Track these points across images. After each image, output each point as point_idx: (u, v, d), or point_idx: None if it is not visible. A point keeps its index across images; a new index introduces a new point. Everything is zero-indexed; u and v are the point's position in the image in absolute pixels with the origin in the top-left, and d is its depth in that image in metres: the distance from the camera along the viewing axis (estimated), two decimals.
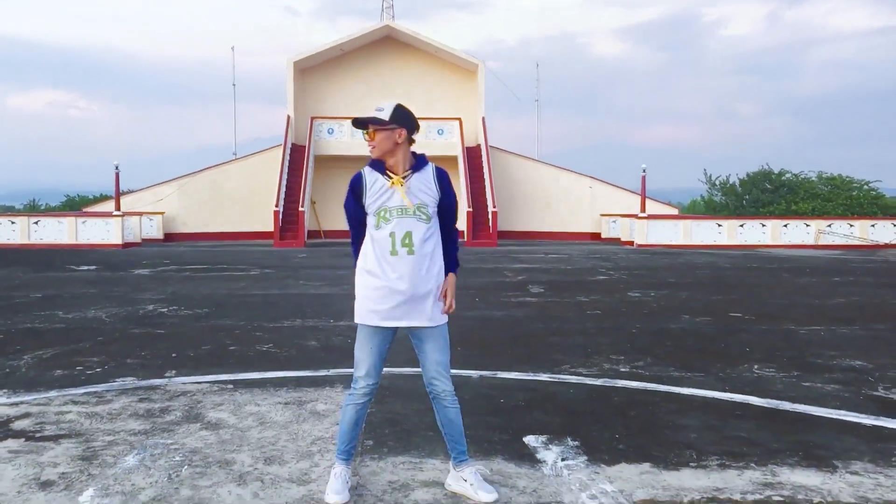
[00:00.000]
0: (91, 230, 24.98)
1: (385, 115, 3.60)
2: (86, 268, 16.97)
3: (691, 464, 4.23)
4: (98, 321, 9.21)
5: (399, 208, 3.64)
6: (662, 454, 4.38)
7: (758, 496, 3.77)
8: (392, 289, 3.64)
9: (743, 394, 5.79)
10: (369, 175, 3.68)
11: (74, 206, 44.65)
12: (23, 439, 4.61)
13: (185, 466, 4.14)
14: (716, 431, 4.83)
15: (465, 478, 3.77)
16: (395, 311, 3.67)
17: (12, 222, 25.12)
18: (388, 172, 3.66)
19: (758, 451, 4.45)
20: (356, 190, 3.69)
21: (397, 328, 3.74)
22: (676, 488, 3.87)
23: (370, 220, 3.69)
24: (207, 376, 6.30)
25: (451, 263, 3.83)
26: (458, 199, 3.91)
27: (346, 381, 6.09)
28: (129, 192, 31.43)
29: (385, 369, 6.54)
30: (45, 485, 3.88)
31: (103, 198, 32.15)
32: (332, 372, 6.45)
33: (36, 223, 25.13)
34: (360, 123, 3.67)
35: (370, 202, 3.66)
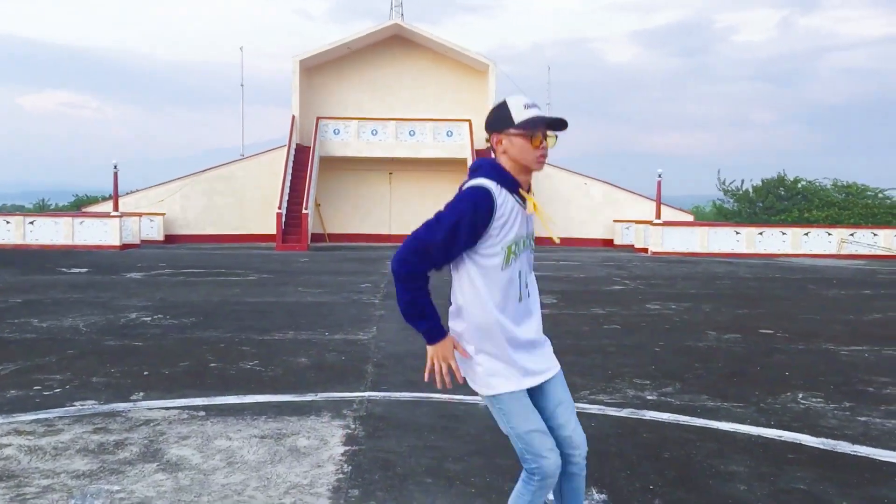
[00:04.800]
0: (88, 231, 24.27)
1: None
2: (77, 270, 16.26)
3: None
4: (73, 331, 8.47)
5: (525, 239, 2.72)
6: None
7: None
8: (532, 341, 2.76)
9: (792, 430, 5.00)
10: (499, 194, 2.62)
11: (82, 205, 44.13)
12: None
13: None
14: (768, 482, 4.05)
15: None
16: (541, 364, 2.79)
17: (7, 222, 24.44)
18: (520, 191, 2.68)
19: None
20: (484, 212, 2.58)
21: None
22: None
23: (492, 258, 2.65)
24: (179, 400, 5.55)
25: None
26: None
27: (335, 407, 5.34)
28: (132, 192, 30.79)
29: (380, 394, 5.82)
30: None
31: (108, 198, 31.51)
32: (319, 397, 5.67)
33: (31, 223, 24.44)
34: (557, 125, 2.64)
35: (497, 232, 2.62)
